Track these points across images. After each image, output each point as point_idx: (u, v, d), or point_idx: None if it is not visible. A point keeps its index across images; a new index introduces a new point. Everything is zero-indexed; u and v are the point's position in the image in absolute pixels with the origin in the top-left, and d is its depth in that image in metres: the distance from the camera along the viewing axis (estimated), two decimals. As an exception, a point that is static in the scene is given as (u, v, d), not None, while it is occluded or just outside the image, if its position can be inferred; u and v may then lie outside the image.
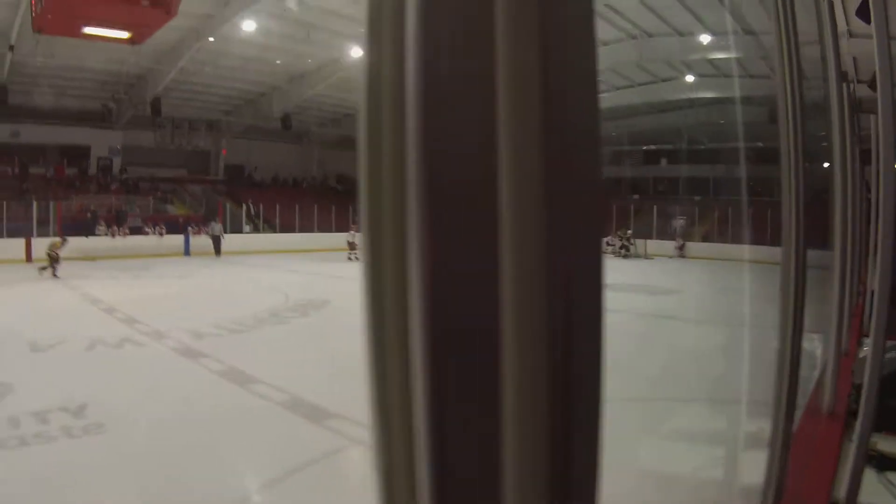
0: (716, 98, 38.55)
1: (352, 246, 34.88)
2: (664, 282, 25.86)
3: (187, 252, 34.94)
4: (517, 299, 0.69)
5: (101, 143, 42.70)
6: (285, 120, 42.91)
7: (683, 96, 39.59)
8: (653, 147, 51.34)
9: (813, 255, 3.15)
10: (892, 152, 3.34)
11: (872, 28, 3.61)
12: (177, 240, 35.06)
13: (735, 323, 13.58)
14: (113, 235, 33.57)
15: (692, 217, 42.49)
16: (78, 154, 41.97)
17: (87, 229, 32.99)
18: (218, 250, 35.19)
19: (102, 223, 34.07)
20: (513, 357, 0.69)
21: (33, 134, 39.33)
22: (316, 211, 42.51)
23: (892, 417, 3.58)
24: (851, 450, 3.86)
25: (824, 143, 6.66)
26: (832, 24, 5.52)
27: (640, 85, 39.29)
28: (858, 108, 10.81)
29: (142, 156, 43.74)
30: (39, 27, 11.26)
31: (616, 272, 28.72)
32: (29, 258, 29.65)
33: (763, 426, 4.55)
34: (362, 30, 0.84)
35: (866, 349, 8.37)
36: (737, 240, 37.10)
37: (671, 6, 27.68)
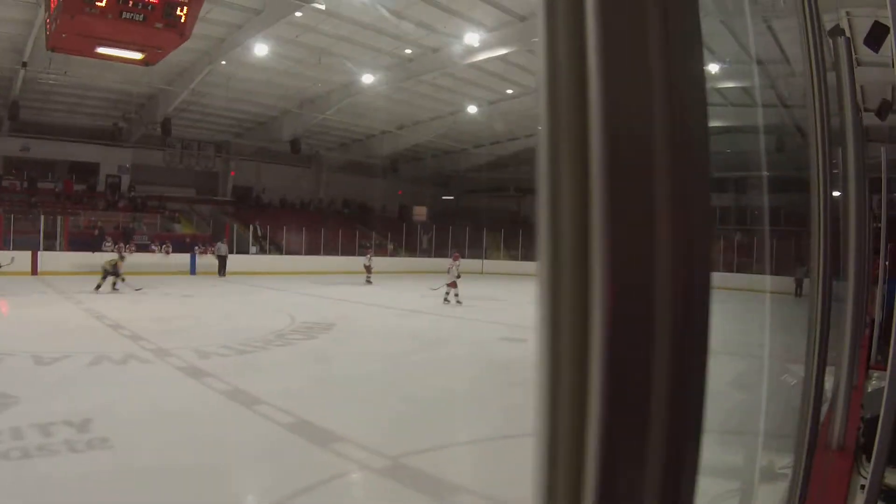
0: (722, 127, 38.58)
1: (368, 269, 35.24)
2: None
3: (193, 271, 35.01)
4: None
5: (110, 160, 42.94)
6: (294, 143, 43.08)
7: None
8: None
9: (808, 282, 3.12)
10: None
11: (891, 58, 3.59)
12: (183, 259, 35.11)
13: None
14: (119, 252, 33.63)
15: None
16: (87, 171, 42.20)
17: (93, 245, 33.07)
18: (222, 270, 35.24)
19: (109, 240, 34.12)
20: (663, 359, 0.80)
21: (43, 149, 39.61)
22: (323, 234, 42.58)
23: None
24: (859, 483, 3.81)
25: (835, 171, 6.62)
26: (849, 56, 5.53)
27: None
28: (867, 136, 10.82)
29: (151, 175, 43.97)
30: (53, 46, 11.27)
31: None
32: (35, 271, 29.73)
33: (758, 456, 4.51)
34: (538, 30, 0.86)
35: (875, 382, 8.29)
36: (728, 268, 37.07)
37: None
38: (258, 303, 23.89)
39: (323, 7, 24.38)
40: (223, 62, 30.68)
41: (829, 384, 6.02)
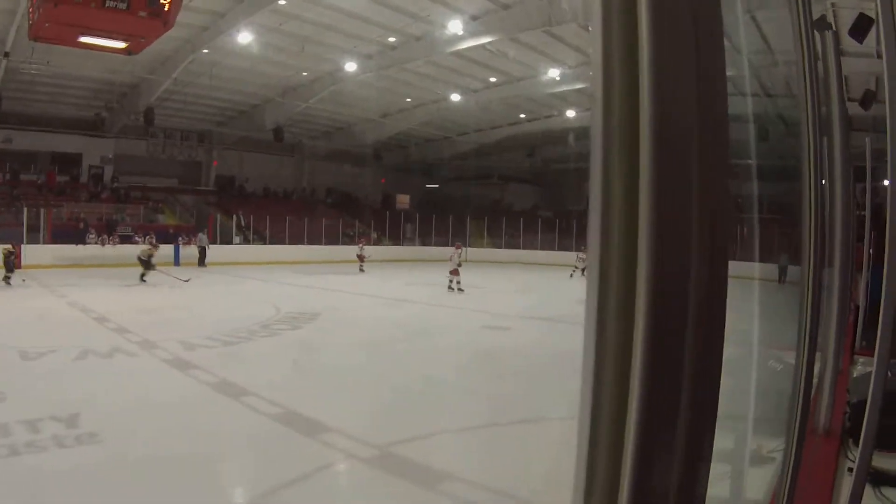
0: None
1: (361, 258, 36.17)
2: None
3: (177, 262, 34.85)
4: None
5: (93, 151, 42.66)
6: (277, 132, 42.92)
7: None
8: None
9: (795, 270, 3.16)
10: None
11: (882, 48, 3.60)
12: (167, 250, 34.96)
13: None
14: (103, 244, 33.47)
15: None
16: (70, 162, 41.91)
17: (77, 238, 32.89)
18: (202, 261, 35.20)
19: (93, 232, 33.94)
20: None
21: (25, 141, 39.30)
22: (306, 223, 42.50)
23: (886, 434, 3.57)
24: (847, 466, 3.86)
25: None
26: (836, 47, 5.56)
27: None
28: (851, 126, 10.90)
29: (133, 165, 43.73)
30: (36, 35, 11.19)
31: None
32: (18, 265, 29.51)
33: (747, 441, 4.55)
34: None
35: (860, 367, 8.38)
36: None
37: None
38: (243, 293, 23.86)
39: (307, -6, 24.33)
40: (206, 51, 30.53)
41: (815, 370, 6.08)
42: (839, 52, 5.42)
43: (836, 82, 5.39)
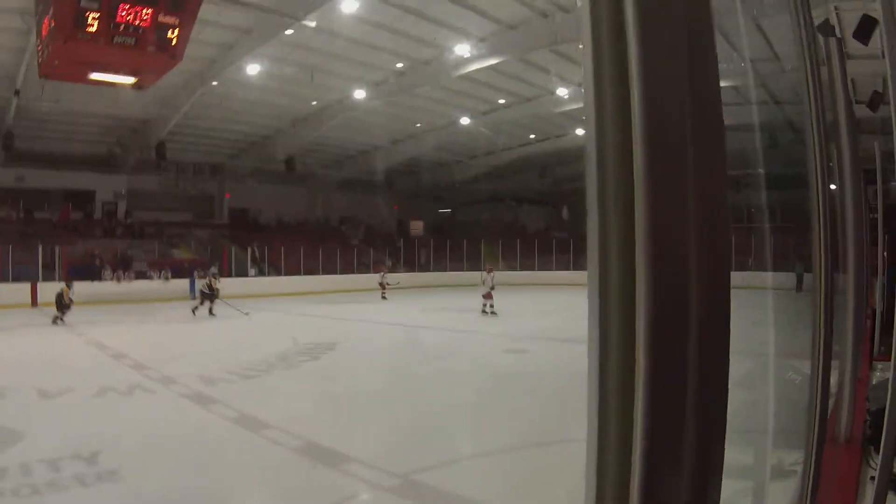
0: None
1: (383, 286, 36.40)
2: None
3: (193, 296, 34.92)
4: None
5: (105, 187, 42.87)
6: (289, 162, 43.10)
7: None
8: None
9: (810, 277, 3.13)
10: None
11: (885, 51, 3.58)
12: (182, 284, 35.02)
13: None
14: (119, 280, 33.59)
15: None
16: (83, 198, 42.08)
17: (92, 274, 33.00)
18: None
19: (108, 268, 34.06)
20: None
21: (38, 178, 39.50)
22: (321, 253, 42.54)
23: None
24: (868, 475, 3.81)
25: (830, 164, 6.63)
26: (840, 50, 5.54)
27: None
28: (859, 129, 10.86)
29: (146, 200, 43.92)
30: (46, 73, 11.26)
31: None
32: (35, 303, 29.66)
33: (768, 454, 4.49)
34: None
35: (878, 374, 8.29)
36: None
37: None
38: (260, 326, 23.85)
39: (313, 24, 24.41)
40: (215, 83, 30.68)
41: (833, 378, 6.01)
42: (844, 55, 5.40)
43: (841, 86, 5.37)
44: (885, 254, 11.09)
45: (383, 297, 35.53)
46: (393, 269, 42.67)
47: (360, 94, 33.57)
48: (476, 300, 25.48)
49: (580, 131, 42.11)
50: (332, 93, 34.30)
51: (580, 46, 1.00)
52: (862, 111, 10.44)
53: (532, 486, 7.35)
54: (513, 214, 59.30)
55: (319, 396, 11.91)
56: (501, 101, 37.20)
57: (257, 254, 41.83)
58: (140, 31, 10.05)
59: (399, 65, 30.98)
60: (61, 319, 22.70)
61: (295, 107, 36.91)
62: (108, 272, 33.66)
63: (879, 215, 10.95)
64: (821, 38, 5.62)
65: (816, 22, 5.76)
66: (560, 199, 56.91)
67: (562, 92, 34.37)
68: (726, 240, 0.95)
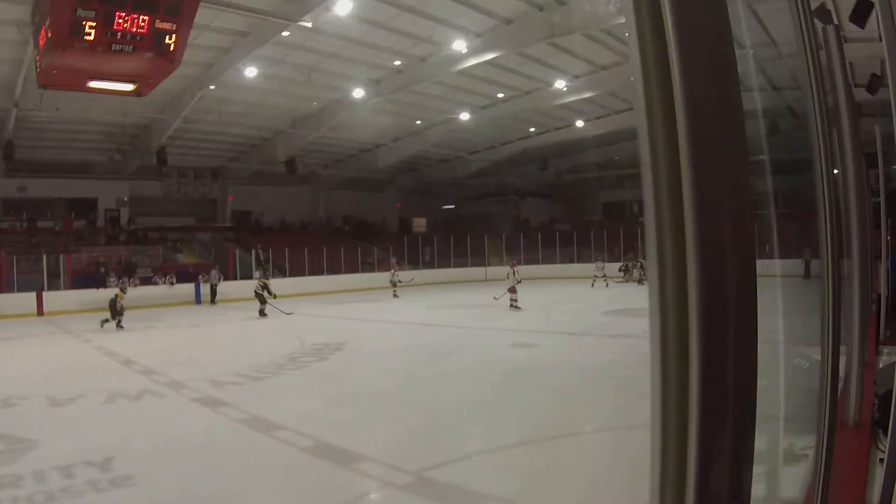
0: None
1: (394, 284, 36.78)
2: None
3: (199, 300, 34.98)
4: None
5: (108, 194, 42.98)
6: (290, 163, 43.08)
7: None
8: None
9: (817, 263, 3.15)
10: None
11: (882, 34, 3.59)
12: (188, 289, 35.07)
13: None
14: (124, 286, 33.65)
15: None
16: (85, 206, 42.19)
17: (98, 282, 33.04)
18: (213, 299, 35.34)
19: (113, 275, 34.10)
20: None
21: (40, 188, 39.65)
22: (325, 253, 42.54)
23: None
24: (878, 457, 3.83)
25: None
26: (837, 34, 5.56)
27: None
28: (859, 112, 10.85)
29: (149, 206, 44.01)
30: (44, 82, 11.26)
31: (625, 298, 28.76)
32: (41, 311, 29.70)
33: (780, 440, 4.51)
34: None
35: (885, 358, 8.30)
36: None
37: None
38: (267, 328, 23.87)
39: (309, 25, 24.36)
40: (213, 87, 30.67)
41: (841, 363, 6.02)
42: (841, 39, 5.41)
43: (840, 70, 5.38)
44: (889, 238, 11.07)
45: (395, 296, 35.63)
46: (397, 267, 42.71)
47: (358, 92, 33.53)
48: (482, 296, 25.51)
49: (580, 122, 42.16)
50: (330, 92, 34.27)
51: (627, 46, 1.07)
52: (861, 95, 10.43)
53: (547, 478, 7.37)
54: (515, 208, 59.23)
55: (328, 397, 11.93)
56: (500, 96, 37.15)
57: (261, 255, 41.83)
58: (137, 37, 10.05)
59: (397, 62, 30.94)
60: (117, 324, 23.02)
61: (294, 107, 36.93)
62: (112, 279, 33.68)
63: (882, 199, 10.95)
64: (818, 23, 5.63)
65: (813, 6, 5.79)
66: (562, 191, 56.89)
67: (560, 84, 34.32)
68: (751, 229, 1.00)
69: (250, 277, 39.23)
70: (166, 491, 7.02)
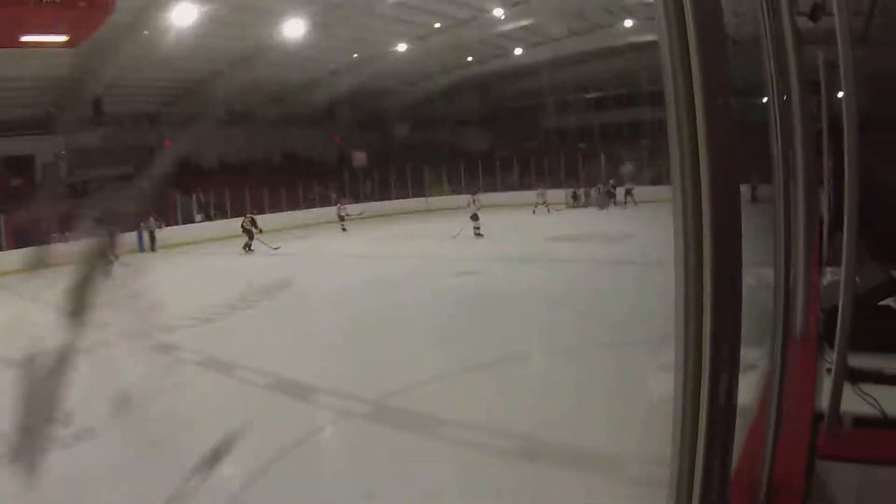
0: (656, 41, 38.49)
1: (342, 218, 37.20)
2: (619, 229, 26.24)
3: (142, 248, 34.57)
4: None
5: (45, 150, 41.93)
6: (227, 103, 42.41)
7: (624, 41, 39.42)
8: (597, 94, 51.38)
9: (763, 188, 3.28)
10: (852, 78, 3.43)
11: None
12: (131, 237, 34.61)
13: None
14: (67, 241, 33.06)
15: (641, 161, 41.95)
16: (22, 163, 41.16)
17: (40, 238, 32.44)
18: (154, 245, 35.03)
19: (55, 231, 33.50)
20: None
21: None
22: (266, 192, 42.18)
23: (858, 336, 3.75)
24: (825, 367, 4.05)
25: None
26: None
27: (580, 34, 39.40)
28: (802, 39, 10.95)
29: (88, 158, 43.01)
30: (-24, 41, 10.99)
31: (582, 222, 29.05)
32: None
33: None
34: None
35: (828, 278, 8.58)
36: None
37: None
38: (213, 270, 23.77)
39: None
40: (146, 32, 29.98)
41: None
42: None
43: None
44: (832, 163, 11.30)
45: (343, 230, 35.97)
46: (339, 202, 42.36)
47: (293, 26, 33.00)
48: (426, 227, 25.59)
49: (518, 50, 42.06)
50: (264, 29, 33.71)
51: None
52: (803, 23, 10.54)
53: (503, 399, 7.57)
54: (455, 137, 58.87)
55: (282, 334, 11.99)
56: (437, 25, 36.85)
57: (202, 198, 41.35)
58: (69, -13, 9.82)
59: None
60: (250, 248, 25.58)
61: (228, 47, 36.34)
62: (55, 235, 33.10)
63: (824, 125, 11.12)
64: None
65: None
66: (501, 119, 56.66)
67: (497, 13, 34.15)
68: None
69: (192, 222, 38.88)
70: (132, 438, 7.05)
